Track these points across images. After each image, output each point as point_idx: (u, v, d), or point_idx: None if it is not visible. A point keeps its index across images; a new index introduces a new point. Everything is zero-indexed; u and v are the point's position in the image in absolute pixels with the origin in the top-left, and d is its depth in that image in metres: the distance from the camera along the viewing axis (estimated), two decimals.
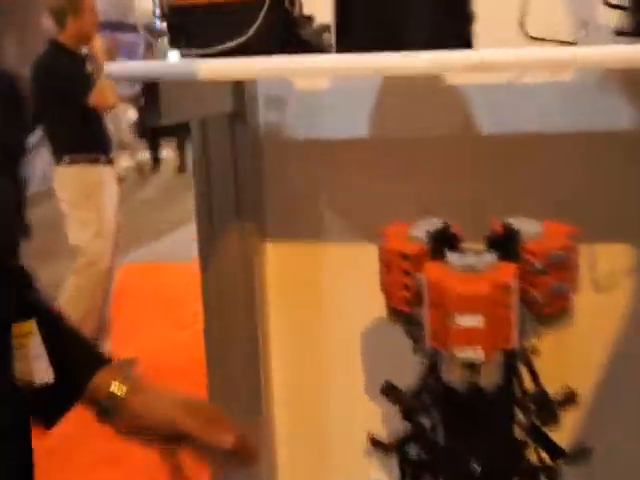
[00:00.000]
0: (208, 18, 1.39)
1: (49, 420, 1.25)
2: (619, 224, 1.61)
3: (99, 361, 1.29)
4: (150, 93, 1.39)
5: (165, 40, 1.52)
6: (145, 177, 12.64)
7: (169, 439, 1.25)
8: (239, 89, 1.68)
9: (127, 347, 4.21)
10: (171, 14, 1.43)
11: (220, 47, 1.34)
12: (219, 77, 1.47)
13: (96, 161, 4.76)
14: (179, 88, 1.46)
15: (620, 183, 1.62)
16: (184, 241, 7.86)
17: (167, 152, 13.68)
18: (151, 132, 12.70)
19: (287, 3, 1.39)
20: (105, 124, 5.04)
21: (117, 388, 1.24)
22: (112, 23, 16.90)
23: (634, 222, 1.60)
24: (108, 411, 1.24)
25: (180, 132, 12.66)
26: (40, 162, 11.13)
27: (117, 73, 1.41)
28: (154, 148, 12.84)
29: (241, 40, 1.33)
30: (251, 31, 1.33)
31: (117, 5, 18.04)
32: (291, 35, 1.40)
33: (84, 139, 4.75)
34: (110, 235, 4.80)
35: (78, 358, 1.31)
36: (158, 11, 1.47)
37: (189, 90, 1.50)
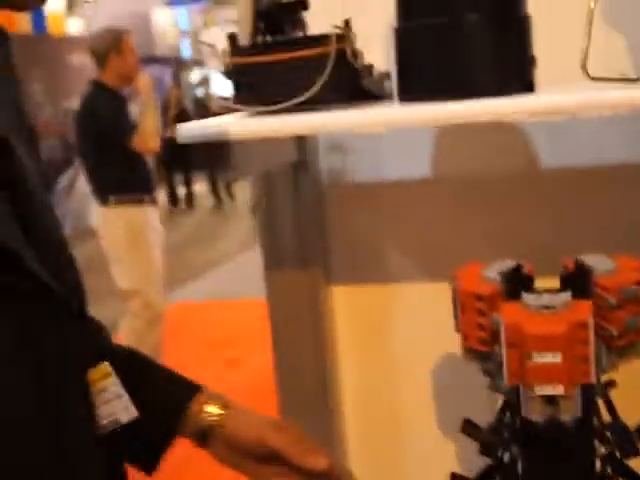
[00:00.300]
0: (275, 75, 1.41)
1: (149, 463, 1.30)
2: None
3: (190, 389, 1.32)
4: (220, 149, 1.46)
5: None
6: (176, 214, 12.61)
7: (261, 459, 1.28)
8: (301, 139, 1.69)
9: None
10: (238, 72, 1.46)
11: (288, 103, 1.36)
12: (288, 134, 1.50)
13: (141, 201, 4.82)
14: (248, 144, 1.49)
15: None
16: (229, 278, 7.90)
17: (200, 186, 13.62)
18: (183, 167, 12.69)
19: (350, 56, 1.39)
20: (148, 163, 5.09)
21: (212, 413, 1.29)
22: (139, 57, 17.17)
23: None
24: (206, 436, 1.28)
25: (211, 166, 12.61)
26: (73, 201, 11.16)
27: (188, 136, 1.42)
28: (187, 184, 12.66)
29: (308, 95, 1.35)
30: (317, 86, 1.35)
31: (142, 39, 18.22)
32: (354, 86, 1.42)
33: (129, 179, 4.84)
34: (160, 275, 4.84)
35: (169, 391, 1.34)
36: (223, 69, 1.54)
37: (256, 145, 1.52)
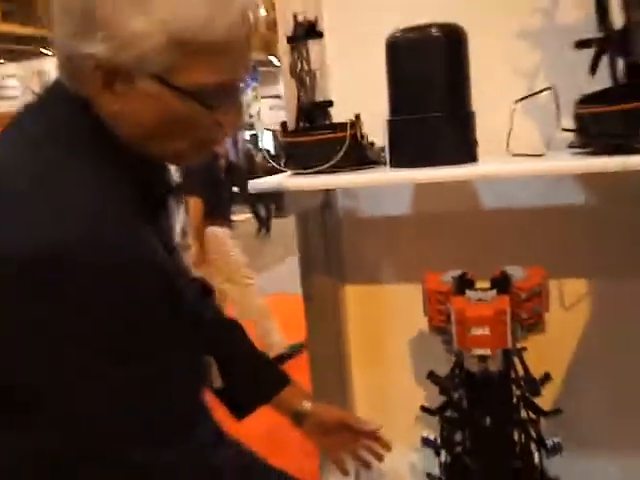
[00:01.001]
0: (309, 150, 1.48)
1: (240, 413, 1.34)
2: (578, 266, 1.69)
3: (285, 379, 1.38)
4: (278, 195, 1.52)
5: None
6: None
7: (337, 431, 1.39)
8: (327, 190, 1.76)
9: None
10: (286, 147, 1.54)
11: (318, 168, 1.45)
12: (319, 187, 1.59)
13: (225, 224, 4.88)
14: (294, 192, 1.56)
15: (580, 241, 1.66)
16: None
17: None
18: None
19: (359, 137, 1.48)
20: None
21: (305, 404, 1.36)
22: None
23: (589, 264, 1.68)
24: (300, 419, 1.35)
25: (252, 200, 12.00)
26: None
27: (258, 188, 1.49)
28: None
29: (332, 162, 1.44)
30: (338, 157, 1.43)
31: None
32: (361, 157, 1.50)
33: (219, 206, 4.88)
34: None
35: (266, 375, 1.39)
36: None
37: (297, 193, 1.59)
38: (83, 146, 0.92)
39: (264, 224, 12.41)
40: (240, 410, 1.34)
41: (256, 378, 1.37)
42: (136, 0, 0.85)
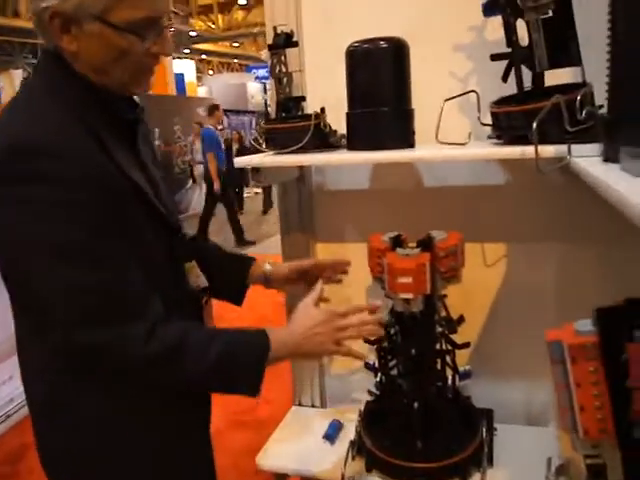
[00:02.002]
0: (284, 135, 1.51)
1: (238, 299, 1.39)
2: (496, 233, 1.69)
3: (250, 258, 1.42)
4: (257, 170, 1.53)
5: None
6: None
7: (298, 278, 1.40)
8: (301, 166, 1.77)
9: None
10: (267, 132, 1.56)
11: (290, 149, 1.48)
12: (290, 164, 1.60)
13: None
14: (272, 168, 1.56)
15: (496, 212, 1.67)
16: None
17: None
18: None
19: (322, 126, 1.49)
20: None
21: (266, 267, 1.39)
22: (231, 110, 16.88)
23: (505, 232, 1.69)
24: (268, 281, 1.37)
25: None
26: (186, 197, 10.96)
27: (240, 163, 1.50)
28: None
29: (300, 145, 1.47)
30: (305, 141, 1.46)
31: (241, 99, 18.06)
32: (325, 141, 1.52)
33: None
34: None
35: (240, 261, 1.43)
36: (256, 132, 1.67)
37: (276, 168, 1.59)
38: (58, 85, 1.04)
39: (269, 199, 12.10)
40: (236, 300, 1.39)
41: (235, 273, 1.41)
42: None
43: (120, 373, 1.04)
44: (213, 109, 7.97)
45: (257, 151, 1.62)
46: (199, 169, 9.47)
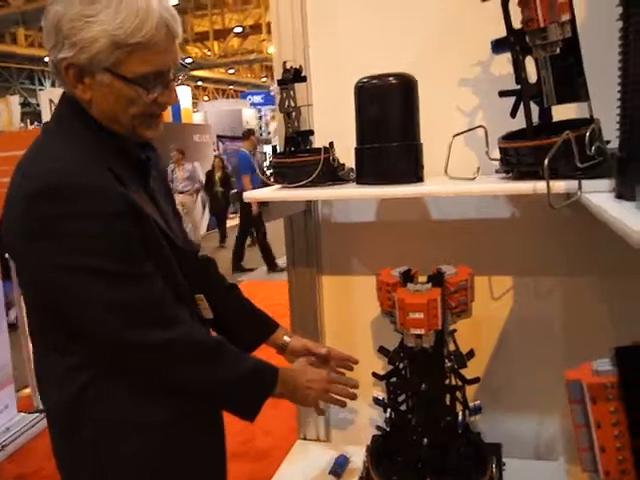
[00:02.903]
0: (293, 169, 1.51)
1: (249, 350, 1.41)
2: (503, 266, 1.69)
3: (275, 324, 1.47)
4: (266, 204, 1.56)
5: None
6: None
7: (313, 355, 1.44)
8: (308, 201, 1.77)
9: None
10: (275, 166, 1.56)
11: (299, 183, 1.48)
12: (299, 198, 1.61)
13: None
14: (280, 202, 1.59)
15: (504, 246, 1.66)
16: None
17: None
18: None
19: (331, 160, 1.50)
20: None
21: (286, 337, 1.45)
22: (226, 136, 16.92)
23: (513, 266, 1.69)
24: (283, 349, 1.44)
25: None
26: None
27: (249, 197, 1.52)
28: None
29: (309, 179, 1.48)
30: (314, 175, 1.47)
31: (236, 124, 18.12)
32: (334, 175, 1.53)
33: None
34: None
35: (264, 325, 1.47)
36: (268, 163, 1.66)
37: (284, 202, 1.61)
38: (76, 128, 1.12)
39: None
40: (247, 347, 1.41)
41: (258, 324, 1.48)
42: (86, 15, 1.04)
43: (158, 369, 1.14)
44: (248, 134, 8.18)
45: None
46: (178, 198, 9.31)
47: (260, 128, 21.09)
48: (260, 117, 21.44)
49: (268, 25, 22.51)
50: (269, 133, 21.63)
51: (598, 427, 0.93)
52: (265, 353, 1.41)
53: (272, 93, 1.60)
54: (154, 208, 1.20)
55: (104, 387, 1.14)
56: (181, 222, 1.35)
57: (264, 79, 29.82)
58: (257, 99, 22.15)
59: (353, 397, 1.38)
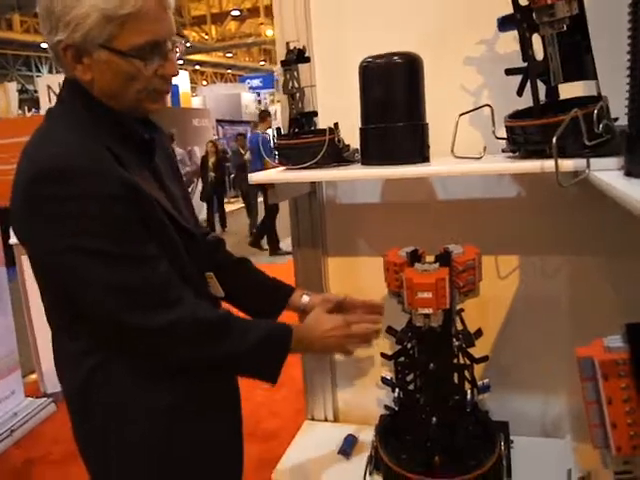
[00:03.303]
0: (297, 150, 1.51)
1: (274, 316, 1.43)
2: (511, 246, 1.68)
3: (290, 288, 1.47)
4: (271, 185, 1.52)
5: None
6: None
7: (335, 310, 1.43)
8: (313, 182, 1.77)
9: None
10: (280, 148, 1.55)
11: (304, 164, 1.48)
12: (305, 179, 1.61)
13: None
14: (285, 183, 1.54)
15: (510, 225, 1.66)
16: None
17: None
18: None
19: (336, 141, 1.50)
20: None
21: (304, 298, 1.45)
22: (226, 120, 16.87)
23: (520, 245, 1.68)
24: (306, 311, 1.43)
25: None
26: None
27: (256, 179, 1.49)
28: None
29: (314, 161, 1.47)
30: (319, 156, 1.47)
31: (235, 109, 18.06)
32: (339, 156, 1.52)
33: None
34: None
35: (280, 290, 1.48)
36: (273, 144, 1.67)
37: (289, 183, 1.57)
38: (78, 111, 1.12)
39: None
40: (268, 317, 1.43)
41: (273, 292, 1.48)
42: None
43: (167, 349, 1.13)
44: (265, 115, 8.13)
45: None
46: None
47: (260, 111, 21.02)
48: (259, 101, 21.35)
49: (266, 8, 22.34)
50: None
51: (609, 403, 0.93)
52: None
53: (276, 74, 1.58)
54: (158, 189, 1.19)
55: (111, 371, 1.15)
56: (191, 205, 1.34)
57: (262, 62, 29.63)
58: (256, 83, 22.06)
59: (376, 336, 1.37)
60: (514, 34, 1.35)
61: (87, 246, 1.03)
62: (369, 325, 1.34)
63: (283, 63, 1.55)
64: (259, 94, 21.55)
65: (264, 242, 8.31)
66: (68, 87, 1.15)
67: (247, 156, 10.09)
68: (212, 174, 10.35)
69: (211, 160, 10.43)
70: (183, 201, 1.28)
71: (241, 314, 1.34)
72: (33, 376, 4.02)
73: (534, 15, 1.27)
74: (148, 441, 1.17)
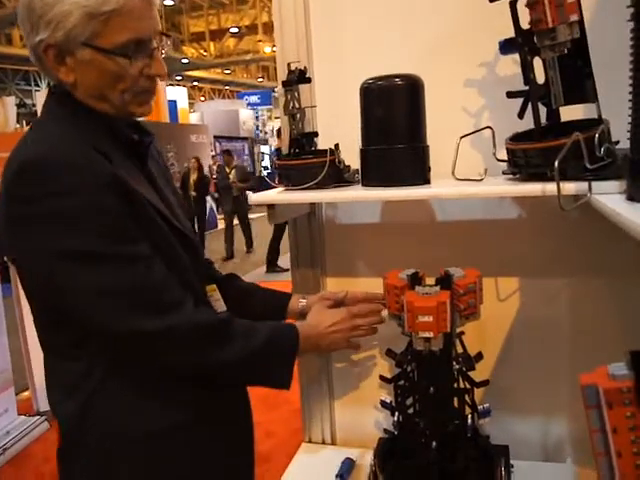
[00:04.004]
0: (298, 171, 1.49)
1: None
2: (511, 268, 1.67)
3: (286, 295, 1.47)
4: (272, 206, 1.48)
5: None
6: None
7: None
8: (312, 203, 1.74)
9: None
10: (280, 168, 1.53)
11: (305, 185, 1.46)
12: (306, 201, 1.60)
13: None
14: (285, 204, 1.54)
15: (510, 247, 1.64)
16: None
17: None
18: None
19: (337, 162, 1.49)
20: None
21: (301, 302, 1.44)
22: (223, 136, 16.93)
23: (519, 267, 1.67)
24: (305, 314, 1.41)
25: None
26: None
27: (255, 200, 1.47)
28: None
29: (315, 182, 1.45)
30: (320, 177, 1.45)
31: (232, 125, 18.13)
32: (339, 177, 1.50)
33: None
34: None
35: (277, 299, 1.48)
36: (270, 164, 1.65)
37: (289, 204, 1.57)
38: (63, 114, 1.09)
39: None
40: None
41: (270, 305, 1.46)
42: None
43: (166, 357, 1.09)
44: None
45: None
46: None
47: (257, 128, 21.13)
48: (257, 117, 21.43)
49: (264, 25, 22.49)
50: (265, 133, 21.66)
51: (614, 432, 0.92)
52: None
53: (276, 94, 1.58)
54: (152, 191, 1.15)
55: (111, 395, 1.11)
56: (189, 215, 1.34)
57: (260, 79, 29.79)
58: (254, 99, 22.18)
59: (383, 320, 1.38)
60: (514, 57, 1.36)
61: (74, 248, 0.98)
62: (373, 309, 1.37)
63: (284, 84, 1.55)
64: (257, 110, 21.64)
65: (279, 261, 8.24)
66: (52, 93, 1.13)
67: (232, 175, 9.63)
68: (193, 193, 10.01)
69: (192, 177, 10.15)
70: (179, 209, 1.25)
71: None
72: (26, 393, 3.98)
73: (535, 38, 1.27)
74: (154, 466, 1.14)
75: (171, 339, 1.06)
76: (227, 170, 9.92)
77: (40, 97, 11.33)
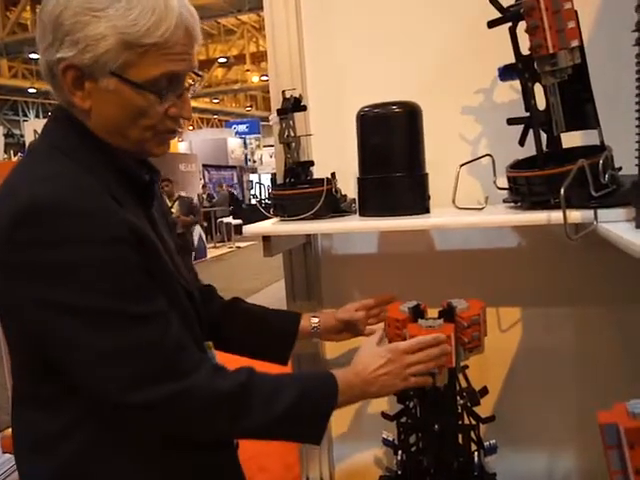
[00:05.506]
0: (293, 201, 1.46)
1: (284, 358, 1.33)
2: (512, 298, 1.65)
3: (296, 316, 1.38)
4: (267, 238, 1.43)
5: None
6: None
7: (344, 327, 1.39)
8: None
9: None
10: (275, 198, 1.51)
11: (300, 216, 1.43)
12: (302, 232, 1.56)
13: None
14: (281, 235, 1.49)
15: (512, 276, 1.62)
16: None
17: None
18: None
19: (334, 192, 1.47)
20: None
21: (316, 320, 1.37)
22: (212, 165, 16.94)
23: (521, 297, 1.65)
24: (318, 334, 1.37)
25: None
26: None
27: (249, 232, 1.44)
28: None
29: (311, 212, 1.43)
30: (316, 207, 1.43)
31: (221, 154, 18.15)
32: (336, 207, 1.48)
33: None
34: None
35: (288, 319, 1.39)
36: (266, 194, 1.62)
37: (285, 235, 1.52)
38: (69, 144, 0.97)
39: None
40: (282, 358, 1.34)
41: (285, 332, 1.36)
42: (92, 9, 0.89)
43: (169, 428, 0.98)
44: None
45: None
46: None
47: (245, 157, 21.18)
48: (245, 146, 21.50)
49: (252, 55, 22.69)
50: (254, 162, 21.73)
51: (637, 473, 0.87)
52: None
53: (271, 122, 1.55)
54: (156, 237, 1.05)
55: (99, 456, 0.97)
56: (187, 259, 1.27)
57: (248, 108, 29.96)
58: (242, 128, 22.26)
59: (447, 363, 1.24)
60: (511, 83, 1.35)
61: (75, 303, 0.86)
62: (432, 350, 1.18)
63: (279, 112, 1.52)
64: (245, 139, 21.72)
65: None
66: (59, 115, 1.00)
67: (175, 208, 7.92)
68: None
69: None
70: (178, 256, 1.16)
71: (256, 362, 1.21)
72: (10, 430, 3.86)
73: (536, 64, 1.25)
74: None
75: (187, 405, 0.95)
76: (168, 203, 7.57)
77: (28, 127, 11.31)
